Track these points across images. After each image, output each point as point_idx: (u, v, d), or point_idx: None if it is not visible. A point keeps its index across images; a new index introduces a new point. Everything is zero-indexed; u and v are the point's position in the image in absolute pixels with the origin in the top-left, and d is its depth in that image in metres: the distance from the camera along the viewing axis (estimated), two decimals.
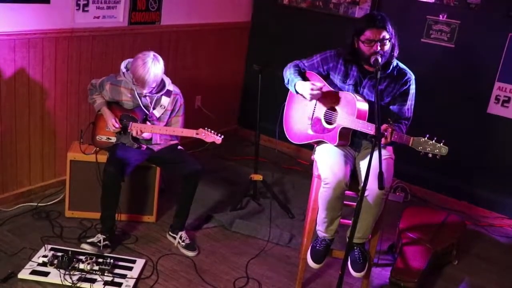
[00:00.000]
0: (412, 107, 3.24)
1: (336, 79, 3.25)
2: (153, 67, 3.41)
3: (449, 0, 4.49)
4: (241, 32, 5.56)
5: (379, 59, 2.98)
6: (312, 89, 3.12)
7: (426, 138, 2.86)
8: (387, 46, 3.04)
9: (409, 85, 3.19)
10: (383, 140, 2.88)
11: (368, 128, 3.00)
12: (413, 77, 3.21)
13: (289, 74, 3.30)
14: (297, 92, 3.24)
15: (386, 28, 3.03)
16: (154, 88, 3.55)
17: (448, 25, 4.53)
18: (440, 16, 4.55)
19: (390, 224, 4.05)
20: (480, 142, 4.60)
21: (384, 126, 2.90)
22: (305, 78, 3.28)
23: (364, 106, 3.09)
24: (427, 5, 4.59)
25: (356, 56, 3.14)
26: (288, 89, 3.37)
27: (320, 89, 3.15)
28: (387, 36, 3.03)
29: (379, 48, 3.00)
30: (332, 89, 3.23)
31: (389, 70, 3.15)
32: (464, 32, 4.49)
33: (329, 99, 3.23)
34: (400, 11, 4.64)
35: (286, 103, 3.48)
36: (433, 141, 2.85)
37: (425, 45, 4.63)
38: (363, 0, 4.87)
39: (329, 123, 3.23)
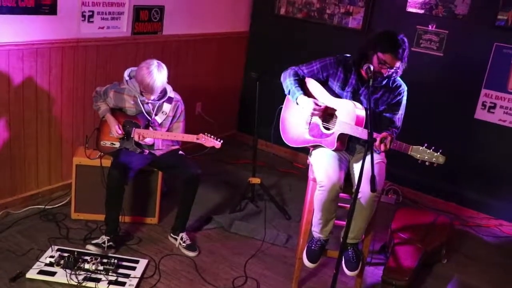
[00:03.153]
0: (402, 116, 3.25)
1: (335, 85, 3.26)
2: (159, 74, 3.41)
3: (437, 11, 4.51)
4: (239, 41, 5.57)
5: (371, 67, 3.00)
6: (314, 109, 3.16)
7: (424, 147, 2.87)
8: (390, 72, 3.09)
9: (402, 96, 3.22)
10: (382, 147, 2.90)
11: (366, 136, 3.00)
12: (405, 88, 3.24)
13: (289, 84, 3.30)
14: (297, 103, 3.27)
15: (403, 60, 3.08)
16: (158, 94, 3.55)
17: (437, 34, 4.55)
18: (430, 26, 4.57)
19: (383, 225, 4.05)
20: (468, 147, 4.61)
21: (384, 134, 2.91)
22: (305, 88, 3.30)
23: (362, 113, 3.10)
24: (417, 16, 4.60)
25: (363, 62, 3.14)
26: (285, 95, 3.38)
27: (322, 109, 3.17)
28: (398, 66, 3.08)
29: (387, 71, 3.06)
30: (330, 95, 3.24)
31: (385, 82, 3.17)
32: (452, 41, 4.50)
33: (328, 105, 3.23)
34: (392, 22, 4.65)
35: (283, 106, 3.48)
36: (431, 150, 2.86)
37: (415, 54, 4.62)
38: (356, 11, 4.89)
39: (327, 128, 3.24)
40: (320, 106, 3.17)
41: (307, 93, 3.29)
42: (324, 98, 3.25)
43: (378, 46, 3.06)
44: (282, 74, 3.40)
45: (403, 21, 4.64)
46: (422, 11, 4.58)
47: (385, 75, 3.08)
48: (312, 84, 3.32)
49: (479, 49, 4.41)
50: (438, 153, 2.85)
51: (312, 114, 3.20)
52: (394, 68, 3.07)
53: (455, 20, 4.45)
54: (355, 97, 3.21)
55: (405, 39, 3.09)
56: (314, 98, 3.26)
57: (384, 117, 3.21)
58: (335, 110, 3.18)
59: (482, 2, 4.33)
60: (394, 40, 3.05)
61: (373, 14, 4.84)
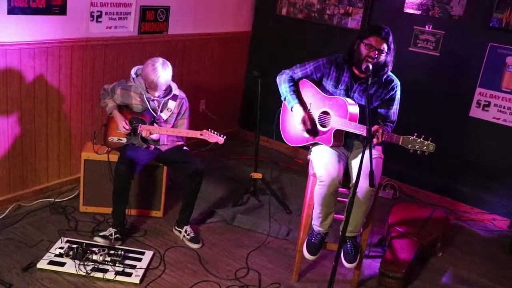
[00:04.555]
0: (397, 111, 3.27)
1: (328, 84, 3.27)
2: (163, 71, 3.42)
3: (434, 12, 4.51)
4: (242, 41, 5.57)
5: (370, 66, 3.01)
6: (300, 124, 3.23)
7: (414, 136, 2.88)
8: (382, 59, 3.08)
9: (395, 91, 3.23)
10: (374, 140, 2.91)
11: (360, 130, 3.02)
12: (398, 83, 3.25)
13: (285, 91, 3.33)
14: (292, 111, 3.31)
15: (388, 41, 3.08)
16: (163, 92, 3.57)
17: (433, 35, 4.56)
18: (426, 26, 4.57)
19: (380, 219, 4.06)
20: (463, 144, 4.62)
21: (375, 127, 2.92)
22: (299, 93, 3.33)
23: (355, 109, 3.11)
24: (414, 17, 4.61)
25: (352, 59, 3.16)
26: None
27: (305, 128, 3.23)
28: (386, 49, 3.07)
29: (376, 55, 3.04)
30: (324, 94, 3.26)
31: (377, 77, 3.17)
32: (448, 41, 4.51)
33: (322, 104, 3.25)
34: (390, 22, 4.63)
35: (281, 108, 3.50)
36: (421, 139, 2.87)
37: (412, 53, 4.65)
38: (355, 11, 4.90)
39: (323, 126, 3.25)
40: (306, 126, 3.23)
41: (301, 97, 3.33)
42: (317, 99, 3.28)
43: (361, 35, 3.13)
44: (277, 78, 3.41)
45: (401, 22, 4.64)
46: (419, 12, 4.58)
47: (375, 60, 3.06)
48: (306, 86, 3.34)
49: (474, 49, 4.41)
50: (428, 141, 2.87)
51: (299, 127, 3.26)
52: (383, 51, 3.06)
53: (451, 21, 4.46)
54: (348, 94, 3.22)
55: (387, 27, 3.12)
56: (308, 101, 3.30)
57: (379, 113, 3.23)
58: (328, 113, 3.20)
59: (477, 3, 4.34)
60: (375, 25, 3.16)
61: (371, 14, 4.84)
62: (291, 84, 3.34)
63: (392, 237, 3.74)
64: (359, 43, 3.12)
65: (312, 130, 3.27)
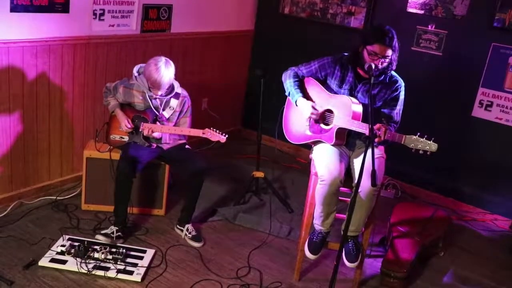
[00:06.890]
0: (401, 111, 3.25)
1: (333, 83, 3.26)
2: (166, 70, 3.42)
3: (437, 12, 4.50)
4: (245, 40, 5.56)
5: (373, 66, 3.00)
6: (312, 113, 3.20)
7: (417, 136, 2.87)
8: (385, 65, 3.07)
9: (399, 92, 3.21)
10: (377, 139, 2.90)
11: (363, 128, 3.01)
12: (403, 84, 3.23)
13: (289, 85, 3.32)
14: (296, 105, 3.29)
15: (392, 47, 3.05)
16: (165, 90, 3.56)
17: (436, 34, 4.54)
18: (429, 26, 4.56)
19: (382, 218, 4.05)
20: (465, 143, 4.61)
21: (377, 126, 2.91)
22: (304, 89, 3.31)
23: (358, 108, 3.10)
24: (417, 16, 4.59)
25: (356, 60, 3.15)
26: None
27: (319, 114, 3.20)
28: (390, 54, 3.05)
29: (380, 63, 3.03)
30: (328, 92, 3.25)
31: (382, 78, 3.16)
32: (450, 41, 4.49)
33: (326, 102, 3.24)
34: (392, 22, 4.58)
35: (285, 106, 3.49)
36: (424, 138, 2.86)
37: (415, 53, 4.63)
38: (358, 11, 4.89)
39: (326, 124, 3.25)
40: (317, 110, 3.20)
41: (306, 93, 3.31)
42: (321, 97, 3.26)
43: (365, 40, 3.09)
44: (283, 75, 3.41)
45: (404, 21, 4.62)
46: (422, 12, 4.57)
47: (380, 67, 3.05)
48: (311, 84, 3.33)
49: (477, 49, 4.40)
50: (431, 141, 2.86)
51: (309, 117, 3.23)
52: (387, 57, 3.04)
53: (454, 21, 4.44)
54: (352, 94, 3.21)
55: (392, 29, 3.08)
56: (312, 99, 3.28)
57: (382, 113, 3.21)
58: (332, 111, 3.20)
59: (480, 3, 4.32)
60: (379, 30, 3.08)
61: (374, 14, 4.83)
62: (296, 79, 3.33)
63: (394, 237, 3.73)
64: (362, 48, 3.09)
65: (319, 121, 3.26)
